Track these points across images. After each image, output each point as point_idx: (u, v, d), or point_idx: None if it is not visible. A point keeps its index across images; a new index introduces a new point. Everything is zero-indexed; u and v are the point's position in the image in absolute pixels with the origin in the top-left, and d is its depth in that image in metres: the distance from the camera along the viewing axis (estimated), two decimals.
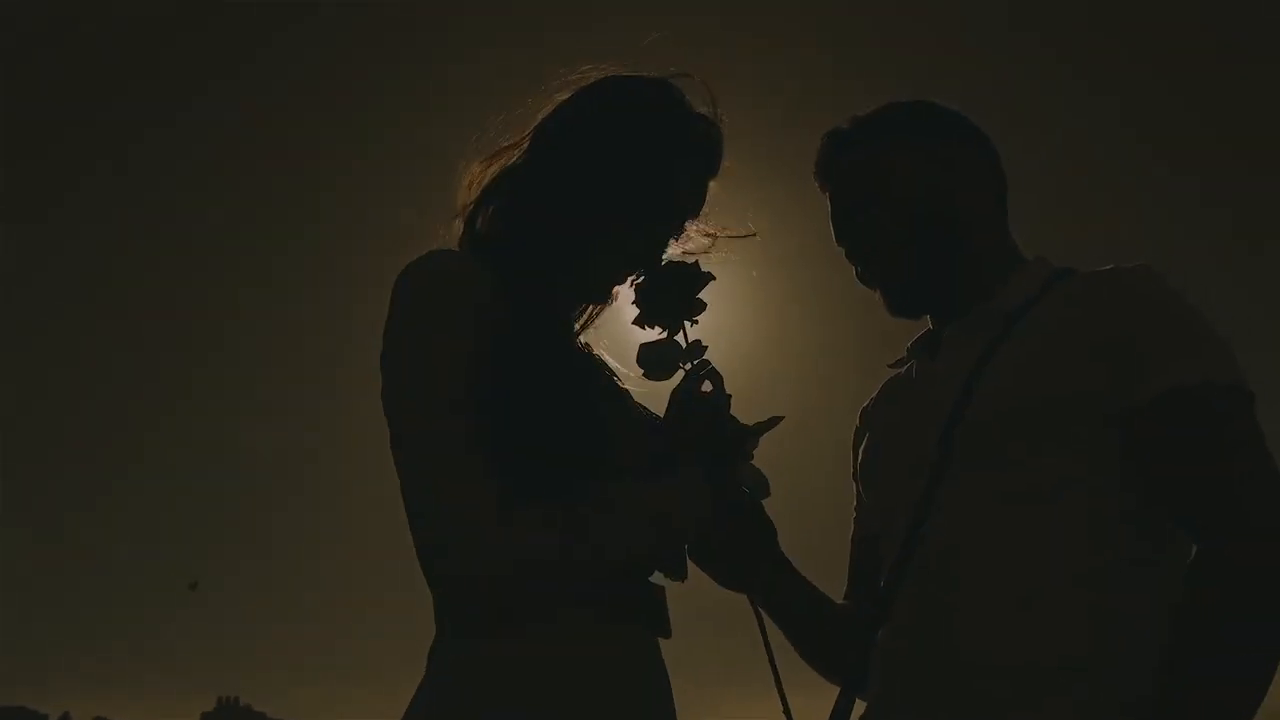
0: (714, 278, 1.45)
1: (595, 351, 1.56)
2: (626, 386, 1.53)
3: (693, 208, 1.53)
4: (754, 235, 1.56)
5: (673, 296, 1.45)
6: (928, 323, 1.65)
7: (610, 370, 1.54)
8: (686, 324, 1.45)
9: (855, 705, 1.47)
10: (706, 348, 1.45)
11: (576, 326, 1.54)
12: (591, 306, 1.53)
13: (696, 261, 1.47)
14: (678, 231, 1.53)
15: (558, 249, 1.44)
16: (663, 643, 1.42)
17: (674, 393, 1.43)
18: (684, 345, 1.45)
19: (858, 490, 1.69)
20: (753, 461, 1.47)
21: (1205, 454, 1.37)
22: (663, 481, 1.37)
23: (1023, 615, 1.38)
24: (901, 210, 1.58)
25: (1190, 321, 1.43)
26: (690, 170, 1.51)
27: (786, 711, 1.48)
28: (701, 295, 1.46)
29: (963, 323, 1.57)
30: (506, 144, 1.52)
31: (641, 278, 1.47)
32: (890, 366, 1.70)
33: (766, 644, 1.49)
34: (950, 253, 1.58)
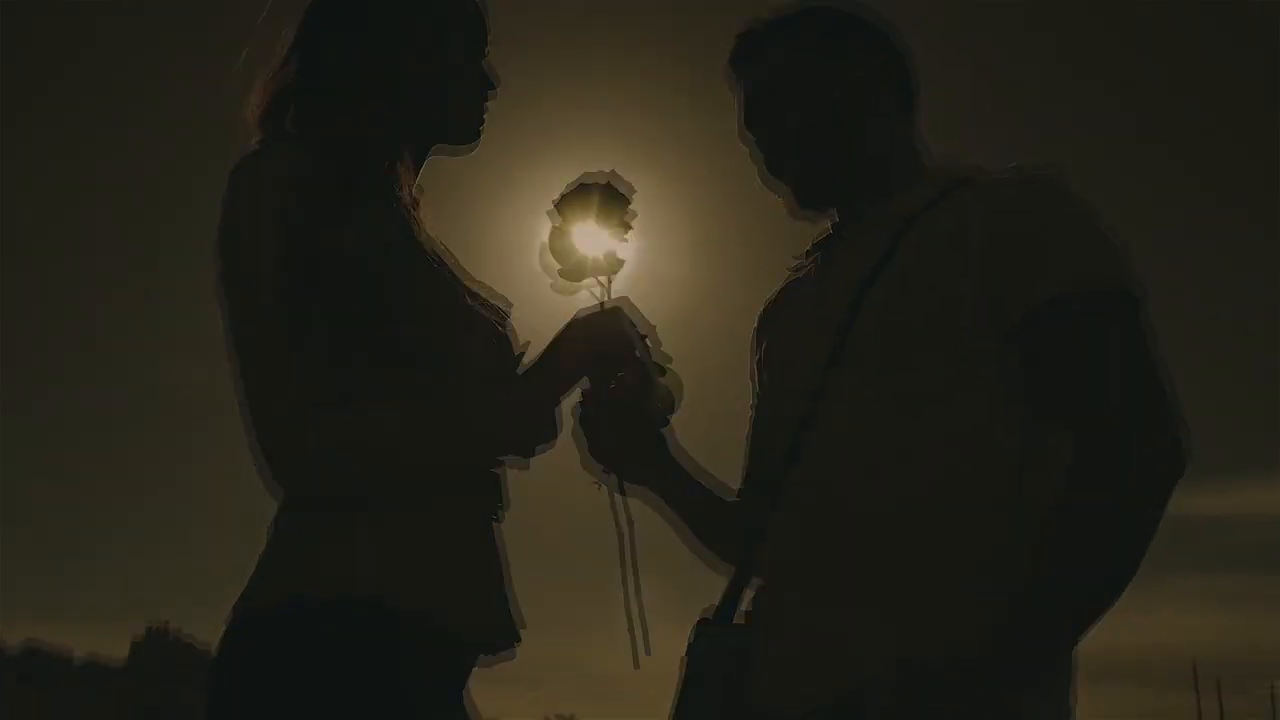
0: (629, 201, 1.43)
1: (442, 245, 1.53)
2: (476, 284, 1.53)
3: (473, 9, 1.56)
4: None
5: (596, 199, 1.41)
6: (829, 223, 1.66)
7: (457, 262, 1.53)
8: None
9: (745, 592, 1.50)
10: (624, 261, 1.42)
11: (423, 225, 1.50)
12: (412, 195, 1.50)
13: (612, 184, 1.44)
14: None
15: (378, 110, 1.45)
16: (528, 544, 1.46)
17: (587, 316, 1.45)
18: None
19: (754, 387, 1.71)
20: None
21: (1080, 360, 1.39)
22: (519, 393, 1.43)
23: (906, 513, 1.40)
24: (808, 106, 1.58)
25: (1084, 226, 1.44)
26: None
27: (630, 623, 1.51)
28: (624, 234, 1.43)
29: (860, 225, 1.58)
30: (274, 65, 1.51)
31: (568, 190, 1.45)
32: (790, 266, 1.71)
33: (620, 537, 1.51)
34: (855, 150, 1.59)
